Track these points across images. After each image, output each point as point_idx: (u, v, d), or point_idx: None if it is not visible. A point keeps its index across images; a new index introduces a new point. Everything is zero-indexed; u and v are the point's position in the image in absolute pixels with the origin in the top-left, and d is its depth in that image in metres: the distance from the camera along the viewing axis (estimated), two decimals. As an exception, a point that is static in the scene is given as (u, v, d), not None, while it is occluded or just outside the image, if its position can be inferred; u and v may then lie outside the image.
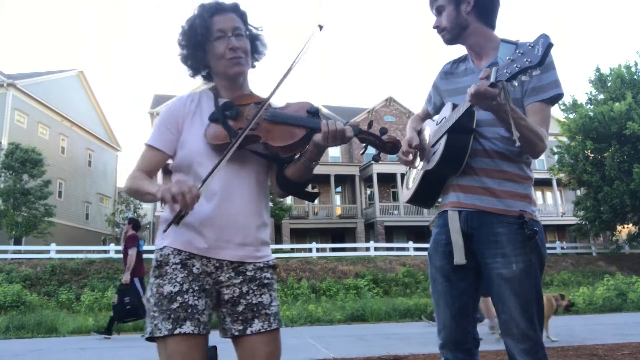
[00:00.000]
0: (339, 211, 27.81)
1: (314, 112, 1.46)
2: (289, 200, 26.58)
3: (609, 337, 5.74)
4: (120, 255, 16.28)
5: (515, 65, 1.28)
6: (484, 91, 1.38)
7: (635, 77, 21.48)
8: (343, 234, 27.33)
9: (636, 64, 21.69)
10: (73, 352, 6.01)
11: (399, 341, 6.16)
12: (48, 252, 16.17)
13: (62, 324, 9.03)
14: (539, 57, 1.23)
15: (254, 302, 1.47)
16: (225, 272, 1.47)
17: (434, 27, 1.78)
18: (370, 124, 1.46)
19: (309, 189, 1.62)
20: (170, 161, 1.59)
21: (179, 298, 1.38)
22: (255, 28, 1.62)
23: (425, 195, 1.87)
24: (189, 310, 1.37)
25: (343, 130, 1.40)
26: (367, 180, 27.59)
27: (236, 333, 1.46)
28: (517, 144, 1.39)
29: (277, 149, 1.45)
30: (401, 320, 10.03)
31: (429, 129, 1.87)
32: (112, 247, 17.50)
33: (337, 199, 28.55)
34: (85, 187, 29.13)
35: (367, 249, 19.79)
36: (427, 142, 1.82)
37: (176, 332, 1.35)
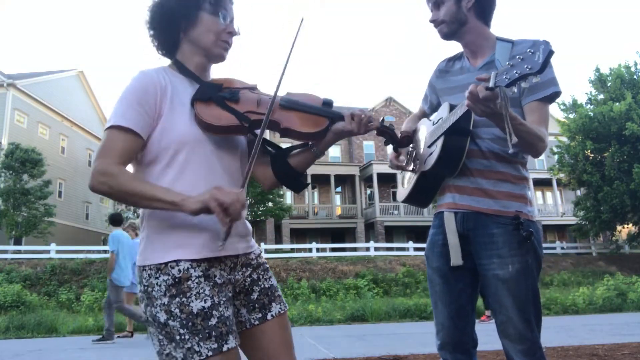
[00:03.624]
0: (339, 211, 27.81)
1: (330, 104, 1.49)
2: (288, 200, 26.59)
3: (609, 337, 5.74)
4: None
5: (515, 72, 1.25)
6: (482, 95, 1.35)
7: (634, 77, 21.50)
8: (343, 234, 27.33)
9: (636, 64, 21.71)
10: (73, 352, 6.01)
11: (399, 341, 6.16)
12: (48, 252, 16.17)
13: (62, 324, 9.03)
14: (539, 65, 1.21)
15: (266, 286, 1.44)
16: (238, 270, 1.39)
17: (431, 21, 1.76)
18: (382, 121, 1.53)
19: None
20: None
21: (215, 312, 1.24)
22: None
23: (421, 194, 1.87)
24: (228, 323, 1.26)
25: (370, 117, 1.46)
26: (367, 180, 27.59)
27: (256, 322, 1.40)
28: (511, 150, 1.37)
29: (301, 135, 1.43)
30: (401, 320, 10.03)
31: (425, 129, 1.86)
32: (112, 247, 17.48)
33: (337, 199, 28.55)
34: (85, 187, 29.00)
35: (367, 249, 19.79)
36: (423, 142, 1.82)
37: (224, 349, 1.22)
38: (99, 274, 14.68)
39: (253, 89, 1.48)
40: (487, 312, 8.80)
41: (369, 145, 29.23)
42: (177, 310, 1.23)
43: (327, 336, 6.99)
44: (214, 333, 1.22)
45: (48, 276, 14.23)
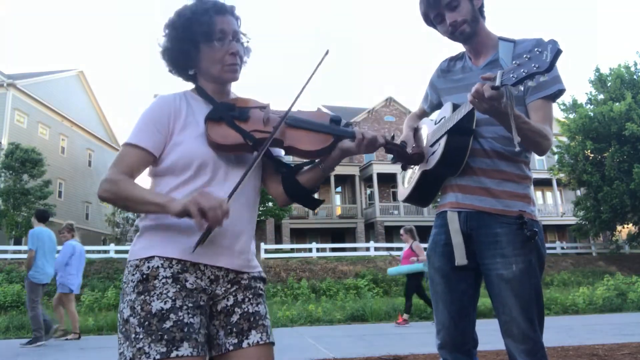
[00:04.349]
0: (339, 211, 27.81)
1: (338, 121, 1.49)
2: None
3: (609, 337, 5.73)
4: (121, 255, 16.43)
5: (522, 70, 1.25)
6: (488, 94, 1.33)
7: (634, 77, 21.51)
8: (343, 234, 27.33)
9: (636, 64, 21.73)
10: (73, 352, 6.02)
11: (399, 341, 6.16)
12: (48, 252, 16.14)
13: (62, 324, 9.02)
14: (547, 64, 1.20)
15: (250, 311, 1.37)
16: (221, 285, 1.36)
17: (451, 24, 1.66)
18: (392, 137, 1.52)
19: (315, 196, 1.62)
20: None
21: (172, 316, 1.22)
22: (245, 35, 1.52)
23: (422, 194, 1.85)
24: (185, 330, 1.21)
25: (375, 137, 1.44)
26: (367, 180, 27.59)
27: (230, 347, 1.32)
28: (517, 148, 1.36)
29: (305, 153, 1.44)
30: (401, 320, 10.01)
31: (427, 128, 1.85)
32: (112, 247, 17.51)
33: (337, 199, 28.55)
34: (85, 187, 29.10)
35: (367, 249, 19.80)
36: (425, 141, 1.81)
37: (172, 355, 1.18)
38: (99, 274, 14.69)
39: (264, 107, 1.49)
40: (405, 316, 8.46)
41: (369, 145, 29.23)
42: (139, 308, 1.24)
43: (327, 336, 6.99)
44: (165, 337, 1.20)
45: (48, 276, 14.22)
